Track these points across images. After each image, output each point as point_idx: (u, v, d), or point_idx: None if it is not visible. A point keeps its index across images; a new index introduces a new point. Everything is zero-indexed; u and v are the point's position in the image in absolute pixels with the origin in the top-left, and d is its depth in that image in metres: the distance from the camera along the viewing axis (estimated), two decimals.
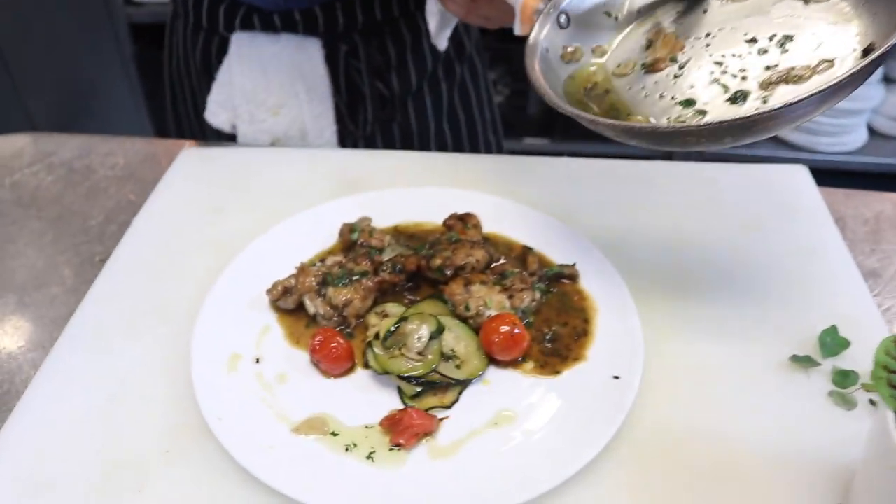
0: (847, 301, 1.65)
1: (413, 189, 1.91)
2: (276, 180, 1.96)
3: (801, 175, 2.05)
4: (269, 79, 1.81)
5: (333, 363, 1.30)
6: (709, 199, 1.89)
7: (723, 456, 1.33)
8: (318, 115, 1.84)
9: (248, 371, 1.30)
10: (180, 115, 2.06)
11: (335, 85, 1.76)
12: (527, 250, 1.70)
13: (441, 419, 1.23)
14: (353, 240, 1.69)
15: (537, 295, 1.58)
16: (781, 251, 1.78)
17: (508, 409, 1.28)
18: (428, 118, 1.89)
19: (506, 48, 4.39)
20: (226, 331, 1.37)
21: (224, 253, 1.55)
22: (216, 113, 1.93)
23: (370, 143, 1.87)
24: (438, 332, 1.31)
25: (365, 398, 1.28)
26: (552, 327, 1.56)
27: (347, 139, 1.82)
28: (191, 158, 2.06)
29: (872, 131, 4.31)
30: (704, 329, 1.58)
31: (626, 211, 1.86)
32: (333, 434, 1.20)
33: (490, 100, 2.00)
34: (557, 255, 1.73)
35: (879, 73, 4.68)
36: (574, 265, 1.68)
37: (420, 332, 1.42)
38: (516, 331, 1.43)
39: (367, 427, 1.22)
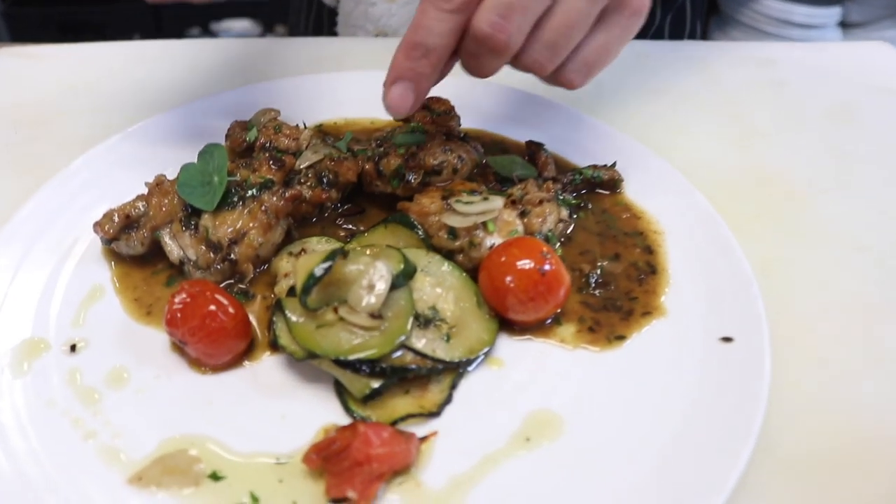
0: None
1: (344, 74, 1.26)
2: (134, 80, 1.38)
3: (887, 52, 1.55)
4: None
5: (211, 343, 0.83)
6: (774, 84, 1.42)
7: None
8: None
9: (53, 369, 0.85)
10: None
11: None
12: (535, 147, 1.05)
13: (424, 439, 0.77)
14: (249, 142, 1.08)
15: (564, 213, 0.95)
16: None
17: (547, 411, 0.82)
18: None
19: None
20: (20, 298, 0.92)
21: (38, 179, 1.09)
22: None
23: None
24: (406, 277, 0.83)
25: (274, 407, 0.82)
26: (598, 263, 0.98)
27: None
28: (6, 59, 1.46)
29: None
30: (841, 259, 1.04)
31: (670, 100, 1.36)
32: (213, 478, 0.74)
33: None
34: (582, 157, 1.15)
35: (837, 16, 4.23)
36: (614, 165, 1.09)
37: (373, 274, 0.75)
38: (546, 266, 0.83)
39: (278, 463, 0.76)
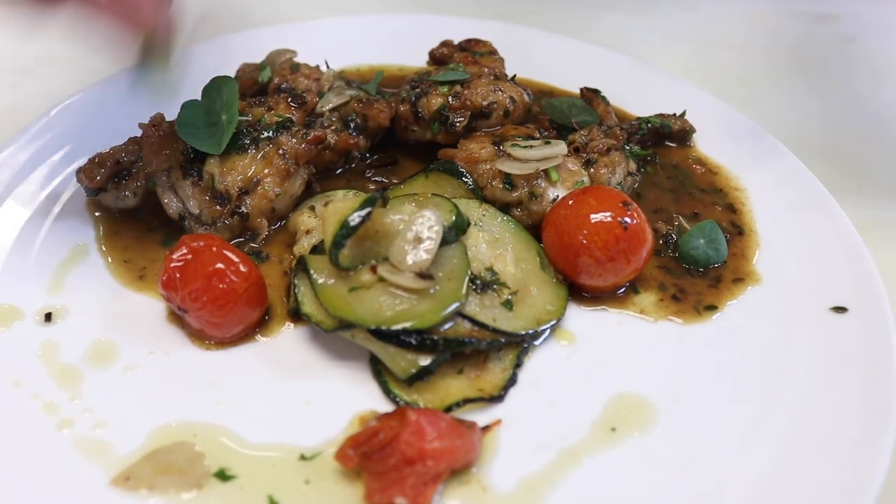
0: None
1: (366, 17, 1.14)
2: None
3: None
4: None
5: (218, 310, 0.68)
6: (842, 40, 1.29)
7: None
8: None
9: (23, 342, 0.73)
10: None
11: None
12: (591, 94, 0.91)
13: (486, 429, 0.63)
14: (262, 83, 0.93)
15: (632, 165, 0.81)
16: None
17: (633, 395, 0.68)
18: None
19: None
20: None
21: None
22: None
23: None
24: (458, 231, 0.57)
25: (296, 390, 0.68)
26: (674, 222, 0.84)
27: None
28: None
29: None
30: None
31: (729, 52, 1.23)
32: (221, 477, 0.60)
33: None
34: (642, 108, 1.01)
35: None
36: (684, 114, 0.95)
37: (421, 225, 0.61)
38: (628, 219, 0.69)
39: (303, 459, 0.61)
